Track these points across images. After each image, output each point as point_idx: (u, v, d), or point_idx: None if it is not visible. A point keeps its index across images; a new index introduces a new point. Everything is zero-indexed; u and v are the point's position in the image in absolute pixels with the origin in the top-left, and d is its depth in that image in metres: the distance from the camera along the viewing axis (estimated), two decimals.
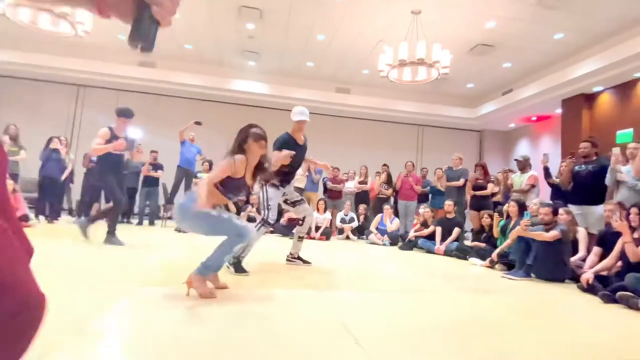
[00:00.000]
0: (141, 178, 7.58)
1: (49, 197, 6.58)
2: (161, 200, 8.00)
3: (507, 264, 4.29)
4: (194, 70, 10.05)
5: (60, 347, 1.35)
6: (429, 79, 7.12)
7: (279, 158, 3.22)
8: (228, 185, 2.40)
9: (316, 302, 2.29)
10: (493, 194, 6.38)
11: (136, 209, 7.78)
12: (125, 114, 4.48)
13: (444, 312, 2.34)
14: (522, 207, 4.67)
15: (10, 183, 5.26)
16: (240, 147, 2.46)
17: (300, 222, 3.75)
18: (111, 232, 4.28)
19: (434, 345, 1.68)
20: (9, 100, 9.58)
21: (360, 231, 7.41)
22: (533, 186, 5.51)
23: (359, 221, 7.45)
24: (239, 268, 3.16)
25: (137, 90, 10.15)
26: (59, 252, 3.52)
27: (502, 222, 4.87)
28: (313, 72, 10.28)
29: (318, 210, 7.21)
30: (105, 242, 4.17)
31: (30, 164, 7.72)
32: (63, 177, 6.75)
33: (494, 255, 4.44)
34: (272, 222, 3.36)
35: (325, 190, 8.26)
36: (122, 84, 10.00)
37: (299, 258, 3.76)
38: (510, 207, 4.70)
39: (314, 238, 6.76)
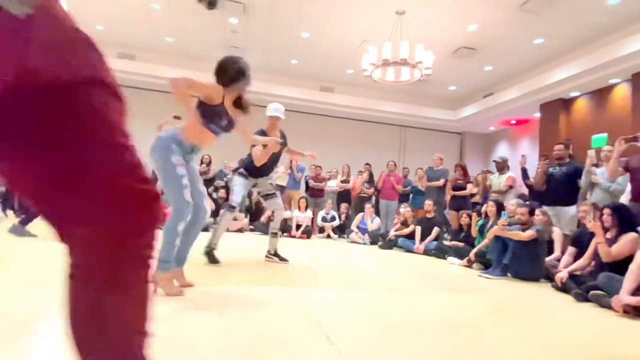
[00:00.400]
0: None
1: None
2: None
3: (484, 263, 4.33)
4: (176, 64, 9.82)
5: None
6: (412, 80, 7.16)
7: (270, 146, 3.22)
8: (206, 112, 2.34)
9: (291, 300, 2.23)
10: (472, 195, 6.46)
11: None
12: None
13: (421, 310, 2.32)
14: (500, 208, 4.73)
15: None
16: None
17: (271, 217, 3.72)
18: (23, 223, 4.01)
19: (410, 343, 1.65)
20: None
21: (342, 230, 7.39)
22: (511, 187, 5.59)
23: (340, 220, 7.43)
24: (211, 258, 3.12)
25: (119, 83, 9.86)
26: (17, 250, 3.36)
27: (480, 222, 4.92)
28: (298, 70, 10.22)
29: (299, 208, 7.15)
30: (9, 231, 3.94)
31: None
32: None
33: (472, 254, 4.48)
34: (235, 205, 3.43)
35: (307, 188, 8.21)
36: None
37: (276, 255, 3.68)
38: (489, 207, 4.75)
39: (294, 236, 6.70)
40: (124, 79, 9.73)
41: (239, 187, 3.54)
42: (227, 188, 7.79)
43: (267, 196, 3.70)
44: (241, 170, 3.64)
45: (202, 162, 7.98)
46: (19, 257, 3.04)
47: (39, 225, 4.45)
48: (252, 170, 3.57)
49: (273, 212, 3.72)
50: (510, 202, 4.81)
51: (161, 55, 9.77)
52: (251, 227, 7.19)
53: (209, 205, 2.44)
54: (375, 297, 2.53)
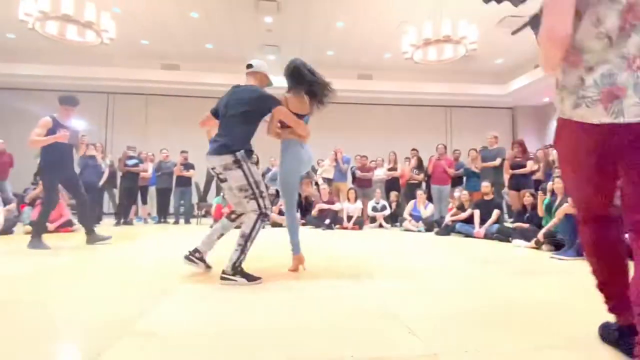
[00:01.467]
0: (174, 178, 7.72)
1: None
2: (195, 199, 8.15)
3: (555, 243, 4.06)
4: (216, 69, 10.12)
5: (112, 347, 1.34)
6: (456, 57, 6.85)
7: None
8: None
9: (360, 292, 2.22)
10: (533, 172, 6.07)
11: (171, 209, 7.95)
12: (68, 101, 4.06)
13: (493, 295, 2.21)
14: None
15: None
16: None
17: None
18: (90, 231, 4.12)
19: (494, 331, 1.57)
20: (43, 112, 10.00)
21: (393, 219, 7.28)
22: None
23: (391, 209, 7.31)
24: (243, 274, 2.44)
25: (164, 93, 10.34)
26: (99, 255, 3.62)
27: (546, 200, 4.61)
28: (334, 60, 10.12)
29: (349, 199, 7.13)
30: (88, 243, 4.08)
31: None
32: (101, 183, 6.96)
33: (540, 235, 4.21)
34: (269, 213, 2.61)
35: (354, 179, 8.15)
36: (149, 88, 10.22)
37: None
38: (556, 184, 4.43)
39: (346, 228, 6.69)
40: (171, 89, 10.20)
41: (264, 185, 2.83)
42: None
43: None
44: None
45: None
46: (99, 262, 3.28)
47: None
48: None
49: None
50: None
51: (203, 62, 10.10)
52: (303, 221, 7.27)
53: None
54: (443, 285, 2.45)
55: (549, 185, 4.69)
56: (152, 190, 7.84)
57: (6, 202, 5.80)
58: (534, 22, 1.62)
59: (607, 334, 1.43)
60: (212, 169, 2.65)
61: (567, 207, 3.77)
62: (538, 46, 1.29)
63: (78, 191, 4.14)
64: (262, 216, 2.52)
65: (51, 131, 3.85)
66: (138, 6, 7.43)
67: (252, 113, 2.62)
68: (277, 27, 8.30)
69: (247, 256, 2.53)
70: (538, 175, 6.00)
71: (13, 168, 7.59)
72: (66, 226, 5.49)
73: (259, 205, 2.50)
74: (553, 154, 5.59)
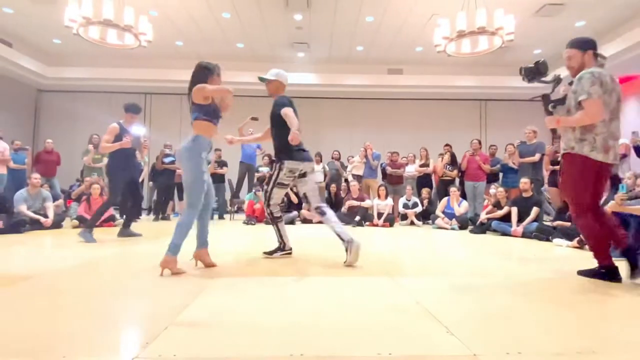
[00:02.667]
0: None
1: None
2: (228, 195, 8.35)
3: None
4: (247, 68, 10.28)
5: (159, 337, 1.41)
6: (492, 49, 6.61)
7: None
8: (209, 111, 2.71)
9: (393, 289, 2.20)
10: None
11: None
12: (132, 109, 4.52)
13: (534, 296, 2.13)
14: (614, 180, 4.16)
15: (96, 187, 5.78)
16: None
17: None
18: (126, 225, 4.55)
19: (536, 332, 1.52)
20: (87, 113, 10.56)
21: (425, 216, 7.15)
22: (624, 155, 4.88)
23: (423, 206, 7.19)
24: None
25: None
26: (141, 249, 3.79)
27: None
28: (363, 56, 10.03)
29: (379, 196, 7.07)
30: (119, 235, 4.47)
31: None
32: (141, 179, 7.26)
33: None
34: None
35: (385, 175, 8.08)
36: (184, 89, 10.48)
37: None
38: None
39: (377, 225, 6.65)
40: None
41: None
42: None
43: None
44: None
45: None
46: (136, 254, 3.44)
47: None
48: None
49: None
50: (627, 175, 4.21)
51: (234, 61, 10.27)
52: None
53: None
54: (480, 284, 2.39)
55: None
56: None
57: (55, 198, 6.18)
58: (545, 100, 2.75)
59: (592, 272, 2.58)
60: (304, 172, 3.17)
61: (614, 205, 3.58)
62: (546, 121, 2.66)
63: (137, 192, 4.62)
64: None
65: (118, 137, 4.30)
66: (173, 8, 7.66)
67: None
68: (306, 24, 8.32)
69: (282, 252, 2.58)
70: None
71: (60, 166, 8.08)
72: (109, 221, 5.78)
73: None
74: None
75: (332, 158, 8.48)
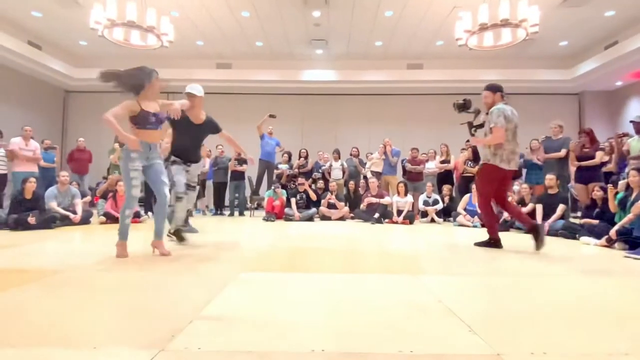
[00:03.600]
0: (229, 173, 8.06)
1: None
2: (247, 192, 8.46)
3: (630, 242, 3.71)
4: (267, 66, 10.36)
5: (183, 330, 1.45)
6: (515, 41, 6.43)
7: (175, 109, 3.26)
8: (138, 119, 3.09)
9: (414, 288, 2.19)
10: (603, 164, 5.58)
11: (226, 202, 8.33)
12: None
13: (560, 295, 2.08)
14: None
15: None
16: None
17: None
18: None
19: (561, 333, 1.48)
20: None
21: (446, 213, 7.05)
22: None
23: (443, 203, 7.08)
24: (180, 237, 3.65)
25: (217, 91, 10.76)
26: (166, 244, 3.89)
27: (620, 195, 4.22)
28: (382, 51, 9.94)
29: (399, 193, 7.01)
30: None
31: None
32: None
33: (612, 232, 3.87)
34: (182, 196, 3.63)
35: (405, 172, 8.00)
36: (204, 87, 10.61)
37: (176, 233, 3.73)
38: (631, 177, 4.04)
39: (396, 222, 6.60)
40: (224, 87, 10.62)
41: (180, 177, 3.70)
42: (324, 179, 8.01)
43: (188, 187, 3.81)
44: (174, 158, 3.79)
45: (299, 156, 8.32)
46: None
47: None
48: (181, 155, 3.77)
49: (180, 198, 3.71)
50: None
51: (253, 60, 10.38)
52: (351, 215, 7.28)
53: (168, 192, 3.20)
54: (502, 283, 2.35)
55: (623, 179, 4.28)
56: (209, 184, 8.26)
57: (83, 196, 6.41)
58: (469, 125, 3.89)
59: (485, 243, 3.78)
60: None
61: None
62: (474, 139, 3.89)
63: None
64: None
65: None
66: (193, 9, 7.79)
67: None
68: (324, 20, 8.30)
69: (299, 248, 2.59)
70: (610, 167, 5.50)
71: (92, 163, 8.42)
72: (134, 217, 5.95)
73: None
74: (627, 143, 5.09)
75: (351, 155, 8.46)
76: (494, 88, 3.84)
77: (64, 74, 10.01)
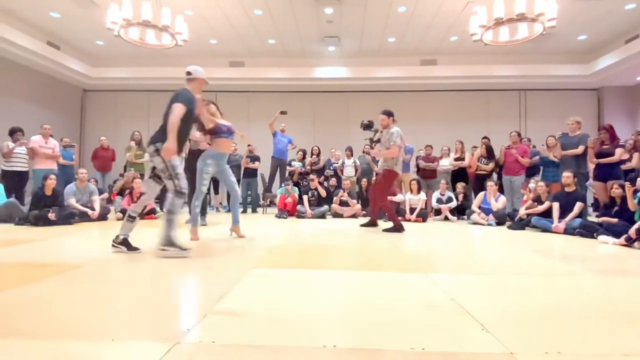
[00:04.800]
0: (242, 170, 8.13)
1: None
2: (260, 189, 8.52)
3: None
4: (279, 64, 10.38)
5: (198, 324, 1.48)
6: (532, 36, 6.29)
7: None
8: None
9: (427, 286, 2.18)
10: (622, 161, 5.43)
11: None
12: None
13: (577, 294, 2.05)
14: None
15: (138, 181, 6.07)
16: None
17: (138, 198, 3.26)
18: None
19: (577, 332, 1.46)
20: (126, 110, 11.08)
21: (461, 211, 6.97)
22: None
23: (458, 201, 7.00)
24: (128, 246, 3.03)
25: (231, 89, 10.87)
26: (181, 240, 3.95)
27: None
28: (395, 47, 9.85)
29: (411, 191, 6.96)
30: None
31: None
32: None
33: (632, 231, 3.78)
34: (184, 191, 3.04)
35: (418, 170, 7.93)
36: (217, 85, 10.76)
37: (124, 243, 3.06)
38: None
39: (409, 220, 6.56)
40: (237, 85, 10.69)
41: (181, 170, 3.11)
42: (337, 176, 8.00)
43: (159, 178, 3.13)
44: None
45: (312, 154, 8.33)
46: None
47: None
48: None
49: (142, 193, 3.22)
50: None
51: (265, 58, 10.41)
52: (364, 212, 7.26)
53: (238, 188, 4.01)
54: (518, 282, 2.32)
55: None
56: None
57: (101, 192, 6.56)
58: (371, 141, 5.22)
59: (391, 230, 4.87)
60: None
61: None
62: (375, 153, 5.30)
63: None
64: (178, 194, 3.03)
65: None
66: (207, 7, 7.85)
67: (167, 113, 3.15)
68: (337, 17, 8.26)
69: (311, 245, 2.60)
70: (631, 165, 5.34)
71: (115, 161, 8.65)
72: (151, 214, 6.07)
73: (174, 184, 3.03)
74: None
75: (364, 152, 8.43)
76: (389, 113, 4.95)
77: (82, 73, 10.23)
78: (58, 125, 9.28)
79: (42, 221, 4.95)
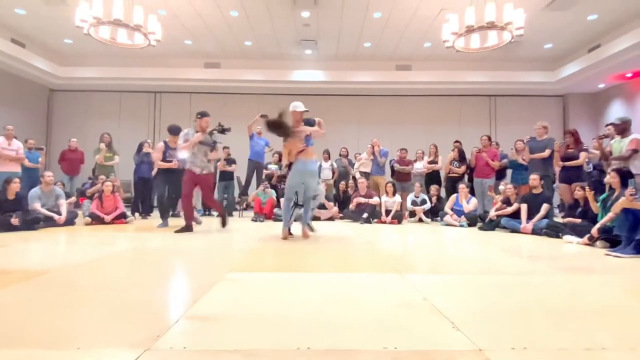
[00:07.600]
0: (218, 173, 8.01)
1: (143, 195, 7.23)
2: (236, 192, 8.42)
3: (611, 240, 3.81)
4: (255, 66, 10.32)
5: (170, 329, 1.45)
6: (501, 44, 6.52)
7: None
8: None
9: (401, 286, 2.22)
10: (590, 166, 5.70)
11: None
12: (174, 131, 5.65)
13: (542, 292, 2.13)
14: (625, 176, 4.09)
15: (108, 184, 5.88)
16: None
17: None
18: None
19: (542, 328, 1.52)
20: (96, 111, 10.71)
21: (434, 213, 7.12)
22: (635, 151, 4.79)
23: (431, 203, 7.16)
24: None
25: (206, 91, 10.72)
26: (153, 244, 3.86)
27: (603, 196, 4.32)
28: (371, 52, 10.00)
29: (387, 193, 7.06)
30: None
31: (123, 167, 8.59)
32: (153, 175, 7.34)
33: (594, 230, 3.97)
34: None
35: (393, 173, 8.06)
36: (193, 87, 10.62)
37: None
38: (611, 178, 4.14)
39: (385, 222, 6.65)
40: (213, 87, 10.55)
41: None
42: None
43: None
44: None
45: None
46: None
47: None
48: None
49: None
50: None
51: (241, 60, 10.33)
52: (340, 215, 7.31)
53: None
54: (489, 281, 2.39)
55: (606, 178, 4.39)
56: None
57: (68, 196, 6.30)
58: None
59: (184, 229, 4.85)
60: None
61: (624, 202, 3.53)
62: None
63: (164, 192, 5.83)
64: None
65: (165, 153, 5.66)
66: (181, 7, 7.72)
67: None
68: (314, 21, 8.31)
69: (287, 248, 2.59)
70: (578, 162, 5.58)
71: (84, 164, 8.28)
72: (120, 218, 5.88)
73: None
74: (610, 144, 5.21)
75: (340, 155, 8.49)
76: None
77: (49, 72, 9.82)
78: (23, 126, 8.87)
79: (3, 227, 4.71)
